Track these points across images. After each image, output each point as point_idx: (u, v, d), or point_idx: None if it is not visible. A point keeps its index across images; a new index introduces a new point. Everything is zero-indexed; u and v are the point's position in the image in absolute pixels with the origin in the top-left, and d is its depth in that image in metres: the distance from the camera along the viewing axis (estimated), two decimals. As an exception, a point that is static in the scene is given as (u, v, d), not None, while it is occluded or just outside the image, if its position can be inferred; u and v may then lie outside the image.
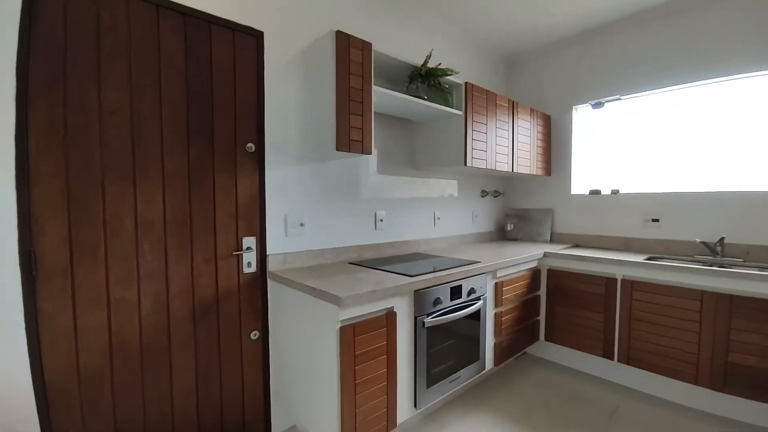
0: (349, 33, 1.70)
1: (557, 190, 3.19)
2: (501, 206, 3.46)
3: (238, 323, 1.81)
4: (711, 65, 2.39)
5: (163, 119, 1.57)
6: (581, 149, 3.12)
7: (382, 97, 1.93)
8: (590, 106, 3.01)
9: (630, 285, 2.24)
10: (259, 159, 1.85)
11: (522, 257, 2.37)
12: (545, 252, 2.61)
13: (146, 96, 1.52)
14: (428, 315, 1.78)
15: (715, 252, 2.34)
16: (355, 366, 1.47)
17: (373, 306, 1.53)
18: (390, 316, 1.60)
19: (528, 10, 2.60)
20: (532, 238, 3.27)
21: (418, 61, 2.09)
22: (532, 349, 2.81)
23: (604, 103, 2.94)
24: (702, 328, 1.99)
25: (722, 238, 2.32)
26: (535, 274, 2.58)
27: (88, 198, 1.40)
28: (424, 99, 2.08)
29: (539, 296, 2.66)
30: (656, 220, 2.64)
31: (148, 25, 1.52)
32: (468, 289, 1.98)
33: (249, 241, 1.83)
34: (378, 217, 2.37)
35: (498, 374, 2.49)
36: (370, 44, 1.75)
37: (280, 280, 1.78)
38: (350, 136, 1.69)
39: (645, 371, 2.21)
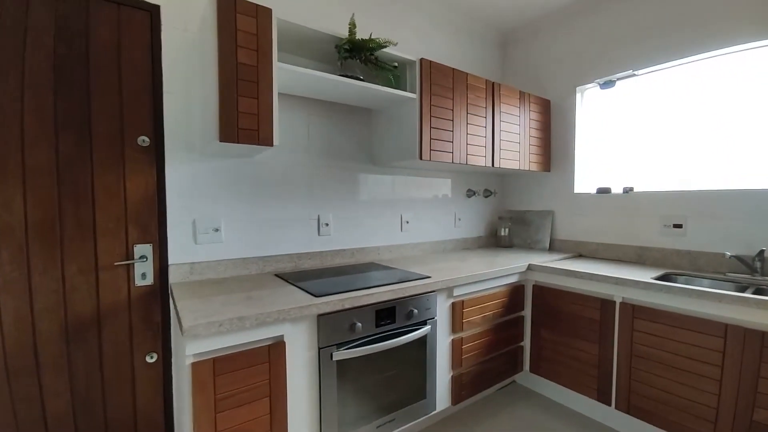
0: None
1: (558, 188, 2.67)
2: (494, 208, 2.98)
3: (129, 344, 1.56)
4: (744, 25, 1.80)
5: (24, 107, 1.35)
6: (588, 139, 2.58)
7: (306, 77, 1.60)
8: (598, 86, 2.47)
9: (631, 310, 1.73)
10: (157, 154, 1.59)
11: (493, 271, 1.93)
12: (530, 264, 2.13)
13: (5, 83, 1.31)
14: (340, 345, 1.42)
15: (754, 269, 1.75)
16: (216, 413, 1.16)
17: (249, 335, 1.21)
18: (276, 347, 1.27)
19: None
20: (530, 246, 2.77)
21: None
22: (520, 377, 2.34)
23: (615, 81, 2.39)
24: (724, 374, 1.45)
25: (762, 251, 1.73)
26: (515, 290, 2.12)
27: None
28: (360, 79, 1.72)
29: (523, 318, 2.19)
30: (679, 226, 2.07)
31: (14, 4, 1.31)
32: (405, 312, 1.60)
33: (143, 249, 1.58)
34: (322, 221, 2.05)
35: (465, 413, 2.05)
36: (270, 10, 1.42)
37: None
38: (239, 123, 1.37)
39: (650, 424, 1.69)
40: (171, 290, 1.53)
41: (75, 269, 1.45)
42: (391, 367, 1.60)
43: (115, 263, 1.52)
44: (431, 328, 1.70)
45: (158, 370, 1.63)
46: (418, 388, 1.69)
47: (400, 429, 1.66)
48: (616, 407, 1.79)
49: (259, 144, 1.43)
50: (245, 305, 1.27)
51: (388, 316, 1.55)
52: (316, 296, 1.38)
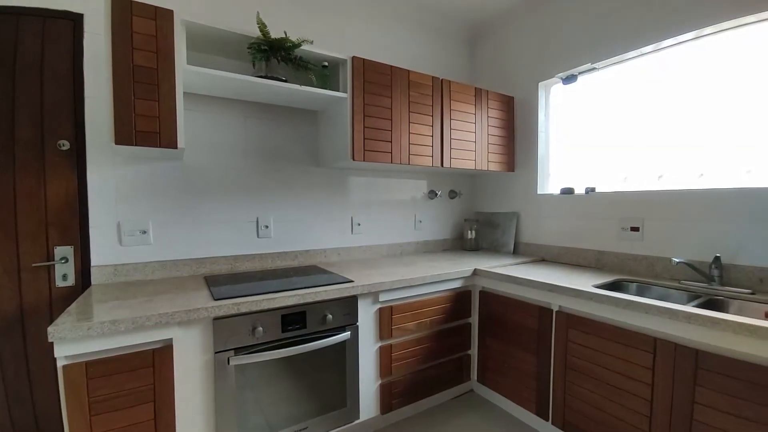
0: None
1: (523, 189, 2.54)
2: (461, 209, 2.88)
3: (51, 343, 1.60)
4: (706, 9, 1.64)
5: (-56, 116, 1.41)
6: (552, 137, 2.45)
7: (219, 79, 1.59)
8: (561, 82, 2.33)
9: (566, 320, 1.61)
10: (78, 158, 1.63)
11: (428, 276, 1.85)
12: (476, 269, 2.03)
13: None
14: (239, 350, 1.39)
15: (710, 278, 1.59)
16: (90, 415, 1.15)
17: (128, 339, 1.20)
18: (162, 351, 1.26)
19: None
20: (496, 249, 2.66)
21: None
22: (480, 390, 2.22)
23: (576, 76, 2.25)
24: (655, 394, 1.32)
25: (717, 258, 1.57)
26: (461, 296, 2.03)
27: None
28: (279, 79, 1.69)
29: (470, 325, 2.09)
30: (636, 229, 1.91)
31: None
32: (318, 318, 1.55)
33: (64, 251, 1.62)
34: (261, 224, 2.03)
35: (407, 423, 1.97)
36: (171, 12, 1.42)
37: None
38: (136, 126, 1.38)
39: (584, 444, 1.56)
40: (86, 292, 1.55)
41: (0, 269, 1.50)
42: (306, 374, 1.55)
43: (34, 264, 1.56)
44: (351, 334, 1.64)
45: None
46: (338, 396, 1.64)
47: (316, 438, 1.61)
48: (553, 423, 1.67)
49: (160, 147, 1.42)
50: (136, 308, 1.26)
51: (298, 321, 1.51)
52: (214, 299, 1.36)
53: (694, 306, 1.36)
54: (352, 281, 1.67)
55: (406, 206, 2.59)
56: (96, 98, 1.62)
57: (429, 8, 2.50)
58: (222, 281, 1.68)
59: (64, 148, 1.60)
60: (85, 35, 1.61)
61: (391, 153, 2.00)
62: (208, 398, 1.36)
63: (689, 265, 1.62)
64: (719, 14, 1.62)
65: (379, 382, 1.78)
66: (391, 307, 1.77)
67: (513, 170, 2.56)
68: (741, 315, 1.22)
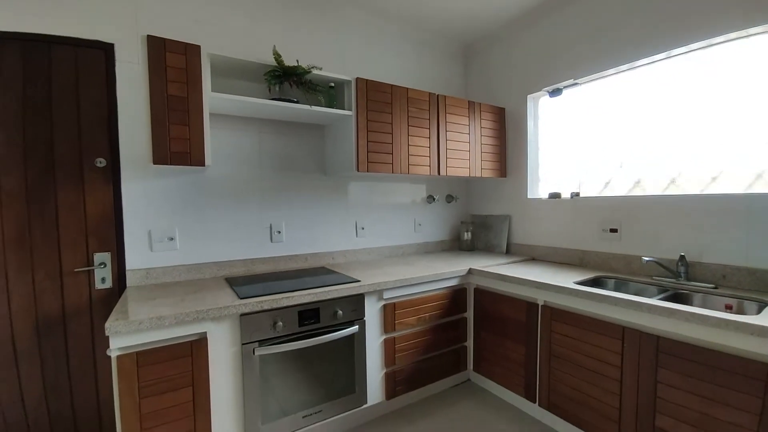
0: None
1: (514, 194, 2.75)
2: (458, 213, 3.08)
3: (91, 340, 1.80)
4: (682, 28, 1.84)
5: (-5, 144, 1.60)
6: (540, 146, 2.65)
7: (239, 102, 1.79)
8: (547, 95, 2.54)
9: (550, 313, 1.81)
10: (113, 174, 1.82)
11: (427, 275, 2.05)
12: (470, 268, 2.24)
13: (-25, 118, 1.57)
14: (263, 342, 1.59)
15: (677, 274, 1.80)
16: (139, 398, 1.35)
17: (170, 332, 1.40)
18: (199, 343, 1.45)
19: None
20: (490, 249, 2.86)
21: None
22: (475, 376, 2.42)
23: (562, 89, 2.45)
24: (624, 376, 1.52)
25: (682, 256, 1.77)
26: (457, 293, 2.23)
27: None
28: (291, 101, 1.89)
29: (466, 319, 2.29)
30: (615, 231, 2.12)
31: (-13, 56, 1.57)
32: (330, 313, 1.75)
33: (102, 257, 1.81)
34: (275, 229, 2.23)
35: (409, 409, 2.17)
36: (198, 47, 1.62)
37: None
38: (171, 148, 1.58)
39: (566, 422, 1.77)
40: (124, 293, 1.75)
41: (43, 274, 1.70)
42: (320, 364, 1.76)
43: (76, 269, 1.76)
44: (359, 328, 1.84)
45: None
46: (347, 384, 1.84)
47: (329, 420, 1.82)
48: (539, 404, 1.88)
49: (191, 165, 1.62)
50: (174, 306, 1.46)
51: (312, 316, 1.71)
52: (240, 298, 1.56)
53: (660, 299, 1.56)
54: (359, 281, 1.87)
55: (407, 210, 2.79)
56: (128, 120, 1.82)
57: (426, 29, 2.70)
58: (241, 282, 1.88)
59: (101, 165, 1.80)
60: (117, 63, 1.80)
61: (392, 164, 2.20)
62: (237, 383, 1.56)
63: (657, 262, 1.82)
64: (687, 35, 1.81)
65: (384, 370, 1.98)
66: (394, 303, 1.97)
67: (505, 176, 2.76)
68: (704, 307, 1.42)
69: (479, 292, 2.23)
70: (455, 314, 2.24)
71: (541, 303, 1.87)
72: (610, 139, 2.24)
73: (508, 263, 2.38)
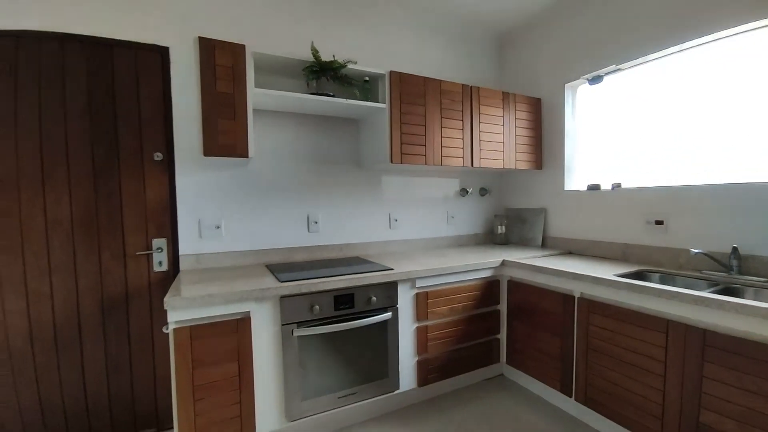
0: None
1: (550, 186, 2.68)
2: (491, 206, 3.05)
3: (149, 319, 1.97)
4: (733, 10, 1.73)
5: (67, 129, 1.79)
6: (579, 136, 2.57)
7: (280, 98, 1.89)
8: (587, 82, 2.46)
9: (587, 306, 1.77)
10: (169, 166, 1.99)
11: (458, 266, 2.06)
12: (504, 260, 2.22)
13: (52, 112, 1.76)
14: (301, 324, 1.68)
15: (729, 267, 1.69)
16: (192, 369, 1.48)
17: (219, 309, 1.52)
18: (243, 321, 1.57)
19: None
20: (525, 243, 2.81)
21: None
22: (508, 371, 2.41)
23: (602, 76, 2.36)
24: (668, 371, 1.46)
25: (735, 249, 1.66)
26: (490, 285, 2.22)
27: (5, 200, 1.69)
28: (329, 95, 1.96)
29: (498, 311, 2.28)
30: (660, 222, 2.02)
31: (55, 56, 1.76)
32: (364, 299, 1.82)
33: (159, 242, 1.99)
34: (311, 220, 2.33)
35: (440, 400, 2.20)
36: (243, 47, 1.73)
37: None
38: (219, 141, 1.70)
39: (604, 417, 1.72)
40: (178, 276, 1.91)
41: (108, 256, 1.89)
42: (354, 348, 1.82)
43: (137, 252, 1.94)
44: (392, 314, 1.89)
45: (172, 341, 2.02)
46: (381, 369, 1.90)
47: (363, 402, 1.88)
48: (576, 399, 1.84)
49: (236, 156, 1.74)
50: (222, 286, 1.58)
51: (347, 301, 1.78)
52: (280, 282, 1.66)
53: (709, 293, 1.48)
54: (392, 269, 1.92)
55: (439, 203, 2.80)
56: (182, 117, 1.97)
57: (460, 20, 2.70)
58: (281, 269, 1.98)
59: (159, 159, 1.97)
60: (172, 65, 1.95)
61: (425, 155, 2.23)
62: (278, 361, 1.66)
63: (708, 255, 1.72)
64: (744, 15, 1.70)
65: (417, 358, 2.01)
66: (426, 292, 2.00)
67: (540, 168, 2.71)
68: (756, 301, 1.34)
69: (513, 284, 2.21)
70: (488, 306, 2.23)
71: (577, 295, 1.83)
72: (654, 127, 2.13)
73: (543, 256, 2.33)
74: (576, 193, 2.51)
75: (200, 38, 1.66)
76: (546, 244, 2.70)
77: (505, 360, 2.29)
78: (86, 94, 1.82)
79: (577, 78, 2.45)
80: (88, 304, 1.85)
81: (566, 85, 2.53)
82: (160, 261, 1.99)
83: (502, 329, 2.29)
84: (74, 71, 1.79)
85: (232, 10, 2.06)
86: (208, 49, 1.66)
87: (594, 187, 2.41)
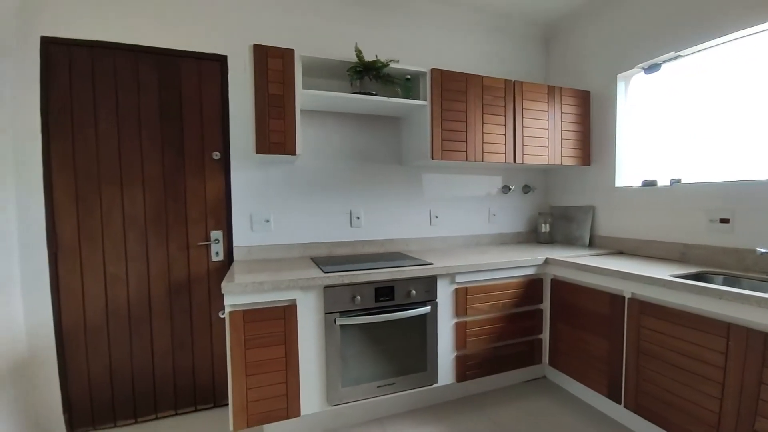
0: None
1: (599, 182, 2.56)
2: (535, 203, 2.96)
3: (208, 303, 2.17)
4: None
5: (142, 136, 2.02)
6: (632, 129, 2.42)
7: (325, 98, 1.99)
8: (642, 72, 2.31)
9: (638, 306, 1.68)
10: (225, 165, 2.17)
11: (499, 262, 2.04)
12: (547, 258, 2.16)
13: (129, 119, 1.99)
14: (343, 314, 1.76)
15: (808, 270, 1.53)
16: (245, 349, 1.61)
17: (268, 296, 1.64)
18: (289, 308, 1.68)
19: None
20: (570, 242, 2.71)
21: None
22: (551, 374, 2.34)
23: (660, 64, 2.22)
24: (727, 377, 1.36)
25: (813, 250, 1.50)
26: (532, 283, 2.17)
27: (90, 198, 1.95)
28: (372, 94, 2.03)
29: (541, 310, 2.22)
30: (726, 221, 1.86)
31: (130, 68, 1.99)
32: (404, 292, 1.86)
33: (217, 234, 2.17)
34: (354, 215, 2.42)
35: (479, 398, 2.19)
36: (293, 51, 1.84)
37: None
38: (270, 139, 1.83)
39: (655, 426, 1.63)
40: (232, 265, 2.07)
41: (175, 247, 2.10)
42: (394, 339, 1.88)
43: (198, 243, 2.13)
44: (431, 308, 1.92)
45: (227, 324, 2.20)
46: (419, 361, 1.93)
47: (401, 393, 1.93)
48: (625, 405, 1.75)
49: (285, 153, 1.86)
50: (271, 275, 1.71)
51: (387, 293, 1.83)
52: (324, 272, 1.76)
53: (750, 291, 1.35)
54: (432, 263, 1.95)
55: (481, 201, 2.78)
56: (237, 120, 2.14)
57: (503, 14, 2.65)
58: (325, 261, 2.08)
59: (217, 158, 2.15)
60: (229, 72, 2.13)
61: (466, 152, 2.23)
62: (321, 348, 1.76)
63: (780, 256, 1.57)
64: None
65: (455, 353, 2.02)
66: (466, 288, 2.00)
67: (589, 164, 2.59)
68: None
69: (557, 283, 2.14)
70: (530, 304, 2.18)
71: (628, 296, 1.74)
72: (719, 117, 1.96)
73: (590, 255, 2.23)
74: (628, 190, 2.37)
75: (255, 46, 1.79)
76: (594, 243, 2.57)
77: (547, 361, 2.23)
78: (158, 101, 2.04)
79: (632, 67, 2.32)
80: (157, 288, 2.07)
81: (619, 75, 2.40)
82: (217, 251, 2.17)
83: (545, 329, 2.23)
84: (147, 81, 2.02)
85: (281, 17, 2.20)
86: (262, 55, 1.80)
87: (650, 183, 2.27)
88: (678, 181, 2.13)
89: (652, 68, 2.25)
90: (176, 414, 2.12)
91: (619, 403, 1.78)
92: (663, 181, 2.21)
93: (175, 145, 2.07)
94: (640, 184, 2.31)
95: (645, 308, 1.65)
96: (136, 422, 2.04)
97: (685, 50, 2.05)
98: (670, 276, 1.64)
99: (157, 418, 2.08)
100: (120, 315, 2.01)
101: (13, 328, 1.77)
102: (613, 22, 2.41)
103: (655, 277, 1.60)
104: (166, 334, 2.10)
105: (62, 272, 1.92)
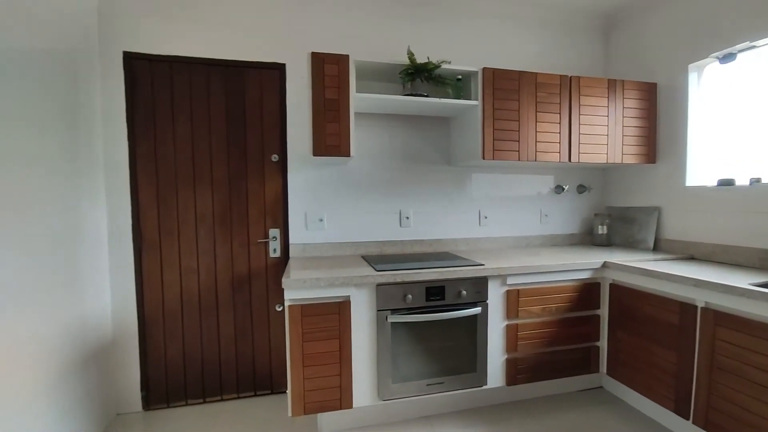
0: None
1: (666, 181, 2.38)
2: (590, 204, 2.82)
3: (266, 297, 2.32)
4: None
5: (211, 142, 2.21)
6: (704, 124, 2.23)
7: (379, 100, 2.05)
8: (717, 61, 2.12)
9: (713, 317, 1.56)
10: (282, 166, 2.30)
11: (554, 264, 1.98)
12: (605, 262, 2.06)
13: (201, 127, 2.18)
14: (394, 311, 1.81)
15: None
16: (302, 341, 1.71)
17: (324, 292, 1.73)
18: (344, 304, 1.75)
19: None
20: (631, 245, 2.55)
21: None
22: (609, 384, 2.24)
23: (735, 54, 2.02)
24: (822, 400, 1.23)
25: None
26: (589, 287, 2.08)
27: (168, 198, 2.16)
28: (423, 95, 2.06)
29: (598, 316, 2.12)
30: (820, 226, 1.67)
31: (203, 79, 2.18)
32: (454, 292, 1.87)
33: (274, 232, 2.32)
34: (404, 215, 2.46)
35: (531, 404, 2.14)
36: (347, 57, 1.91)
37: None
38: (326, 142, 1.92)
39: (732, 446, 1.50)
40: (288, 262, 2.20)
41: (237, 243, 2.27)
42: (444, 339, 1.90)
43: (258, 240, 2.28)
44: (482, 309, 1.91)
45: (283, 317, 2.34)
46: (469, 362, 1.93)
47: (450, 393, 1.94)
48: (694, 422, 1.63)
49: (340, 155, 1.94)
50: (326, 272, 1.80)
51: (438, 293, 1.85)
52: (376, 271, 1.81)
53: None
54: (483, 264, 1.94)
55: (532, 201, 2.70)
56: (294, 124, 2.26)
57: (559, 7, 2.55)
58: (376, 260, 2.14)
59: (275, 160, 2.29)
60: (287, 79, 2.25)
61: (519, 151, 2.18)
62: (372, 343, 1.82)
63: None
64: None
65: (506, 356, 2.00)
66: (517, 290, 1.97)
67: (654, 161, 2.42)
68: None
69: (616, 288, 2.04)
70: (586, 309, 2.10)
71: (701, 305, 1.62)
72: (817, 110, 1.75)
73: (656, 260, 2.09)
74: (701, 190, 2.19)
75: (312, 53, 1.89)
76: (659, 247, 2.40)
77: (605, 371, 2.13)
78: (225, 109, 2.21)
79: (705, 57, 2.13)
80: (222, 281, 2.25)
81: (690, 65, 2.22)
82: (274, 248, 2.32)
83: (603, 336, 2.12)
84: (216, 90, 2.19)
85: (336, 24, 2.29)
86: (318, 61, 1.89)
87: (726, 182, 2.08)
88: (758, 180, 1.94)
89: (727, 57, 2.06)
90: (238, 397, 2.29)
91: (687, 418, 1.67)
92: (741, 181, 2.02)
93: (239, 149, 2.24)
94: (716, 184, 2.13)
95: (720, 319, 1.53)
96: (205, 402, 2.24)
97: (760, 41, 1.85)
98: (750, 285, 1.50)
99: (222, 400, 2.27)
100: (192, 303, 2.21)
101: (102, 314, 2.01)
102: (683, 8, 2.23)
103: (733, 286, 1.48)
104: (229, 323, 2.27)
105: (145, 264, 2.15)
